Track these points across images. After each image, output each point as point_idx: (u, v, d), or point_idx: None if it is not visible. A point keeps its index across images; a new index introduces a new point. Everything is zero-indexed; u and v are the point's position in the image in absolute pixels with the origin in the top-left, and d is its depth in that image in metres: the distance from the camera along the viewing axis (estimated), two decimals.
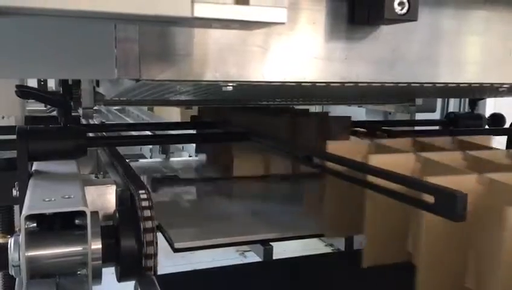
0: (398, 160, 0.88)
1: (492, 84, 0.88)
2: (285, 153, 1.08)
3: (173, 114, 3.08)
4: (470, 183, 0.74)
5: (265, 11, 0.44)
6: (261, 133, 1.23)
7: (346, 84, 0.77)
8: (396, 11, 0.66)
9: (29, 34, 0.63)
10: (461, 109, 2.74)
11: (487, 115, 1.90)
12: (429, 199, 0.65)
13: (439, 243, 0.75)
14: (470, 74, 0.85)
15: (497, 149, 1.03)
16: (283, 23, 0.45)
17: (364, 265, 0.85)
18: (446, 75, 0.83)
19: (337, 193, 0.95)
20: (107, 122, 2.22)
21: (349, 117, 1.57)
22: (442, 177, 0.74)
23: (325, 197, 0.97)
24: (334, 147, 0.95)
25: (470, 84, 0.85)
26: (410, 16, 0.67)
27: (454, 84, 0.84)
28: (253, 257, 1.13)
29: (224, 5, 0.42)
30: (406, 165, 0.87)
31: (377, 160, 0.85)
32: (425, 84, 0.82)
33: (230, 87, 0.72)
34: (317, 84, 0.75)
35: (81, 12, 0.38)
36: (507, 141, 1.70)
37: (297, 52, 0.72)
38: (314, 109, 2.43)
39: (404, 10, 0.66)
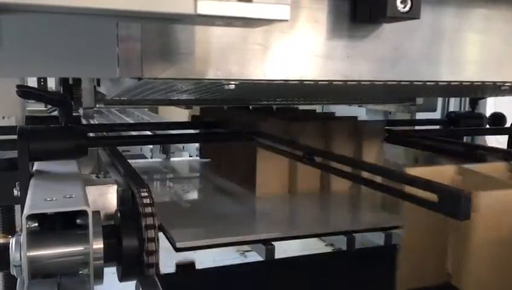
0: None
1: (494, 82, 0.87)
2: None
3: (178, 116, 3.07)
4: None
5: (268, 8, 0.44)
6: (266, 134, 1.22)
7: (348, 83, 0.77)
8: (398, 8, 0.66)
9: (30, 32, 0.63)
10: (462, 109, 2.74)
11: (488, 114, 1.90)
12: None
13: (486, 265, 0.71)
14: (472, 73, 0.84)
15: None
16: (286, 20, 0.45)
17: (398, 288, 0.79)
18: (448, 74, 0.82)
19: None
20: (107, 123, 2.22)
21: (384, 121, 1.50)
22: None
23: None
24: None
25: (472, 82, 0.85)
26: (413, 14, 0.67)
27: (456, 83, 0.84)
28: (253, 257, 1.13)
29: (228, 2, 0.42)
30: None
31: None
32: (427, 83, 0.82)
33: (233, 85, 0.72)
34: (319, 82, 0.75)
35: (84, 10, 0.38)
36: (508, 141, 1.70)
37: (299, 50, 0.72)
38: (314, 108, 2.43)
39: (407, 8, 0.66)
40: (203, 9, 0.41)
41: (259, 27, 0.51)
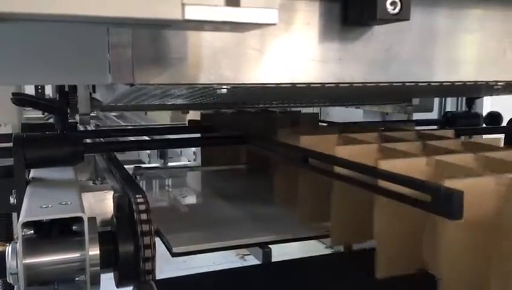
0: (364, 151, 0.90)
1: (487, 82, 0.88)
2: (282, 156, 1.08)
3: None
4: (490, 186, 0.72)
5: (256, 12, 0.44)
6: (259, 136, 1.23)
7: (341, 85, 0.77)
8: (388, 10, 0.66)
9: (21, 41, 0.63)
10: (458, 108, 2.74)
11: (484, 113, 1.91)
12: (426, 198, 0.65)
13: (461, 251, 0.72)
14: (465, 72, 0.85)
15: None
16: (274, 24, 0.45)
17: (378, 276, 0.81)
18: (441, 74, 0.83)
19: (345, 198, 0.94)
20: (104, 128, 2.21)
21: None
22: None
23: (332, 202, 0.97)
24: (305, 141, 1.00)
25: (464, 82, 0.85)
26: (403, 16, 0.67)
27: (448, 83, 0.84)
28: (253, 260, 1.13)
29: (215, 7, 0.42)
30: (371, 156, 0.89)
31: (343, 151, 0.87)
32: (419, 84, 0.82)
33: (225, 90, 0.72)
34: (312, 85, 0.75)
35: (71, 17, 0.38)
36: (504, 139, 1.70)
37: (292, 53, 0.72)
38: (312, 110, 2.43)
39: (397, 10, 0.66)
40: (190, 14, 0.41)
41: (249, 31, 0.51)
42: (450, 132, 1.22)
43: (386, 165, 0.79)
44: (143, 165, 1.73)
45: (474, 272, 0.73)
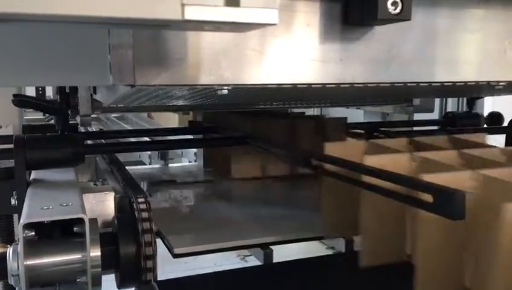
0: (394, 159, 0.88)
1: (488, 82, 0.88)
2: (284, 156, 1.08)
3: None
4: (465, 181, 0.74)
5: (256, 12, 0.44)
6: (260, 136, 1.23)
7: (342, 85, 0.77)
8: (389, 11, 0.66)
9: (22, 42, 0.63)
10: (459, 109, 2.74)
11: (485, 114, 1.90)
12: (427, 198, 0.65)
13: (436, 241, 0.75)
14: (466, 73, 0.85)
15: (493, 147, 1.02)
16: (275, 24, 0.45)
17: (361, 264, 0.84)
18: (442, 74, 0.83)
19: (335, 194, 0.95)
20: (105, 129, 2.22)
21: (345, 118, 1.57)
22: (438, 174, 0.74)
23: (323, 198, 0.97)
24: (332, 148, 0.95)
25: (465, 82, 0.85)
26: (404, 16, 0.67)
27: (450, 83, 0.84)
28: (254, 261, 1.13)
29: (215, 7, 0.42)
30: (401, 164, 0.87)
31: (372, 160, 0.84)
32: (421, 84, 0.82)
33: (226, 90, 0.72)
34: (313, 86, 0.75)
35: (70, 17, 0.38)
36: (505, 140, 1.70)
37: (293, 54, 0.72)
38: (312, 111, 2.43)
39: (398, 10, 0.66)
40: (190, 14, 0.41)
41: (250, 31, 0.51)
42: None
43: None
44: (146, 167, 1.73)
45: (449, 264, 0.75)
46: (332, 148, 0.95)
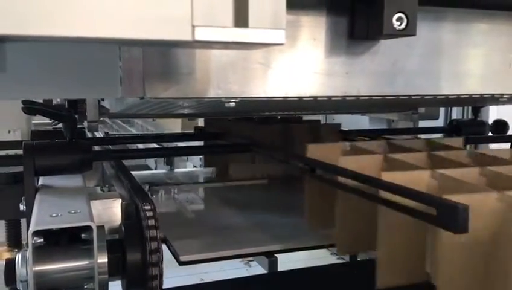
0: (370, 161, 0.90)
1: (492, 94, 0.88)
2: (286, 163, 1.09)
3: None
4: (491, 202, 0.72)
5: (264, 33, 0.45)
6: (263, 144, 1.25)
7: (347, 98, 0.78)
8: (394, 26, 0.67)
9: (33, 55, 0.64)
10: (464, 116, 2.73)
11: (490, 121, 1.90)
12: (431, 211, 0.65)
13: (458, 263, 0.72)
14: (470, 86, 0.85)
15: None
16: (282, 44, 0.46)
17: (378, 286, 0.81)
18: (446, 87, 0.83)
19: (349, 208, 0.94)
20: (111, 135, 2.23)
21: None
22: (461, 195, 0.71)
23: (336, 211, 0.97)
24: (314, 149, 0.99)
25: (470, 95, 0.86)
26: (409, 31, 0.68)
27: (454, 96, 0.85)
28: (258, 266, 1.14)
29: (224, 28, 0.43)
30: (375, 167, 0.89)
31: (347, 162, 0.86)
32: (425, 97, 0.83)
33: (233, 103, 0.73)
34: (319, 98, 0.76)
35: (82, 39, 0.39)
36: (511, 148, 1.70)
37: (299, 68, 0.73)
38: (317, 117, 2.44)
39: (403, 26, 0.67)
40: (200, 36, 0.42)
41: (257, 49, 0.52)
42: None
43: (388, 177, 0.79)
44: (153, 172, 1.74)
45: (471, 285, 0.73)
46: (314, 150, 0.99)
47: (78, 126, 1.52)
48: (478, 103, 1.39)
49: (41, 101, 1.26)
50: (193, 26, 0.42)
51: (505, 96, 0.90)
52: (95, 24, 0.40)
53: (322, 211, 1.01)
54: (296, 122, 1.74)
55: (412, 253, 0.81)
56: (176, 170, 1.86)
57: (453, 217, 0.61)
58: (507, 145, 1.73)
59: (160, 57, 0.65)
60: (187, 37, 0.42)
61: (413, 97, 0.82)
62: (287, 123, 1.65)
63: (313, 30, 0.73)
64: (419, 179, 0.83)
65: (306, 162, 0.97)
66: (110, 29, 0.40)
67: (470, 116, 2.04)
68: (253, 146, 1.24)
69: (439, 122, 2.26)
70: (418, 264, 0.81)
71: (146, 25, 0.41)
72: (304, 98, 0.75)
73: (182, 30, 0.42)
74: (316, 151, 1.01)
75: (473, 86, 0.86)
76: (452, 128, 1.84)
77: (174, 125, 2.91)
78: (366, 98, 0.78)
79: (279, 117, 1.76)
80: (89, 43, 0.59)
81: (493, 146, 1.74)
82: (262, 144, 1.25)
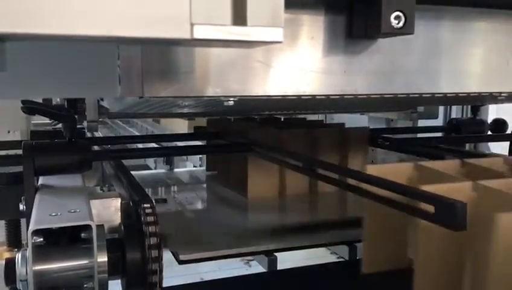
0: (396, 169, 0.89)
1: (490, 93, 0.89)
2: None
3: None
4: (465, 191, 0.76)
5: (262, 31, 0.45)
6: (266, 144, 1.24)
7: (345, 96, 0.78)
8: (392, 24, 0.67)
9: (31, 55, 0.64)
10: (463, 115, 2.73)
11: (489, 120, 1.91)
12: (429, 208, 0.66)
13: (435, 247, 0.76)
14: (469, 84, 0.86)
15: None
16: (280, 42, 0.47)
17: (364, 271, 0.85)
18: (445, 86, 0.84)
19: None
20: (111, 135, 2.23)
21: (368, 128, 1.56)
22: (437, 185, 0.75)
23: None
24: (374, 170, 0.88)
25: (468, 93, 0.86)
26: (407, 30, 0.68)
27: (453, 94, 0.85)
28: (258, 266, 1.14)
29: (223, 26, 0.43)
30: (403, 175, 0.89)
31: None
32: (423, 95, 0.83)
33: (232, 101, 0.74)
34: (317, 97, 0.76)
35: (80, 37, 0.40)
36: (510, 147, 1.71)
37: (297, 66, 0.74)
38: (316, 117, 2.44)
39: (401, 24, 0.67)
40: (199, 34, 0.43)
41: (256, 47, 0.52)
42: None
43: None
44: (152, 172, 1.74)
45: (449, 270, 0.77)
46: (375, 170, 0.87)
47: (78, 126, 1.52)
48: (477, 101, 1.40)
49: (40, 101, 1.26)
50: (192, 24, 0.42)
51: (503, 94, 0.90)
52: (94, 22, 0.40)
53: None
54: (319, 126, 1.66)
55: (395, 240, 0.86)
56: (176, 170, 1.87)
57: (451, 215, 0.62)
58: (506, 144, 1.74)
59: (159, 55, 0.65)
60: (186, 35, 0.42)
61: (411, 95, 0.82)
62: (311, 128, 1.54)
63: (312, 29, 0.73)
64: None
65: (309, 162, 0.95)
66: (109, 27, 0.40)
67: (469, 115, 2.04)
68: (255, 146, 1.24)
69: (439, 122, 2.26)
70: (402, 251, 0.86)
71: (144, 23, 0.41)
72: (303, 97, 0.75)
73: (180, 28, 0.42)
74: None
75: (471, 85, 0.86)
76: (451, 127, 1.84)
77: (179, 127, 2.92)
78: (365, 96, 0.79)
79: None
80: (87, 42, 0.59)
81: (494, 144, 1.74)
82: (266, 145, 1.24)
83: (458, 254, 0.76)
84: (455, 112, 2.80)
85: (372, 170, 0.86)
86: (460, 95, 0.86)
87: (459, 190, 0.74)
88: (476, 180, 0.77)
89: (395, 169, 0.89)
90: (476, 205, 0.74)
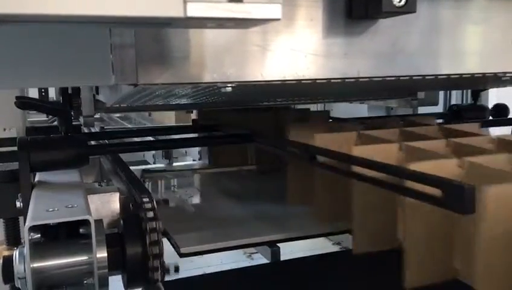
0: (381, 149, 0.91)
1: (495, 73, 0.87)
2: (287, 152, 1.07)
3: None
4: (451, 167, 0.77)
5: (259, 8, 0.43)
6: (265, 134, 1.23)
7: (346, 80, 0.76)
8: (394, 3, 0.65)
9: (23, 43, 0.63)
10: (464, 101, 2.72)
11: (490, 106, 1.89)
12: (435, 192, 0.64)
13: (424, 225, 0.76)
14: (472, 64, 0.84)
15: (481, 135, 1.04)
16: (278, 19, 0.45)
17: (354, 252, 0.86)
18: (448, 67, 0.82)
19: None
20: (108, 129, 2.21)
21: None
22: (423, 162, 0.77)
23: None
24: (320, 138, 1.00)
25: (472, 74, 0.84)
26: (409, 8, 0.66)
27: (456, 76, 0.83)
28: (260, 258, 1.13)
29: (218, 3, 0.41)
30: (388, 154, 0.90)
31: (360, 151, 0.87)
32: (426, 77, 0.81)
33: (229, 88, 0.72)
34: (318, 81, 0.74)
35: (70, 17, 0.38)
36: None
37: (296, 49, 0.72)
38: (316, 107, 2.42)
39: (402, 2, 0.66)
40: (193, 11, 0.41)
41: (253, 27, 0.50)
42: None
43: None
44: (150, 167, 1.73)
45: (437, 246, 0.78)
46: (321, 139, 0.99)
47: (74, 122, 1.50)
48: (480, 83, 1.38)
49: (36, 96, 1.24)
50: (185, 2, 0.41)
51: (507, 74, 0.88)
52: (85, 2, 0.38)
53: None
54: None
55: (384, 221, 0.86)
56: (175, 164, 1.85)
57: (459, 198, 0.60)
58: (508, 129, 1.72)
59: (153, 41, 0.63)
60: (179, 13, 0.40)
61: (414, 77, 0.80)
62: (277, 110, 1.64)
63: (310, 10, 0.71)
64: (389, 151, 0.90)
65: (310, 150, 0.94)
66: (99, 6, 0.38)
67: (469, 101, 2.03)
68: (256, 136, 1.22)
69: (439, 108, 2.24)
70: (391, 232, 0.85)
71: (136, 1, 0.40)
72: (303, 81, 0.73)
73: (173, 6, 0.40)
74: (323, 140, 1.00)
75: (474, 65, 0.84)
76: (452, 113, 1.83)
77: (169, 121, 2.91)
78: (366, 79, 0.77)
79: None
80: (80, 28, 0.57)
81: (495, 129, 1.73)
82: (266, 135, 1.23)
83: (446, 231, 0.76)
84: (455, 98, 2.78)
85: (357, 151, 0.88)
86: (464, 76, 0.84)
87: (445, 167, 0.76)
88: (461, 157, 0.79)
89: (380, 149, 0.90)
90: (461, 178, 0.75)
